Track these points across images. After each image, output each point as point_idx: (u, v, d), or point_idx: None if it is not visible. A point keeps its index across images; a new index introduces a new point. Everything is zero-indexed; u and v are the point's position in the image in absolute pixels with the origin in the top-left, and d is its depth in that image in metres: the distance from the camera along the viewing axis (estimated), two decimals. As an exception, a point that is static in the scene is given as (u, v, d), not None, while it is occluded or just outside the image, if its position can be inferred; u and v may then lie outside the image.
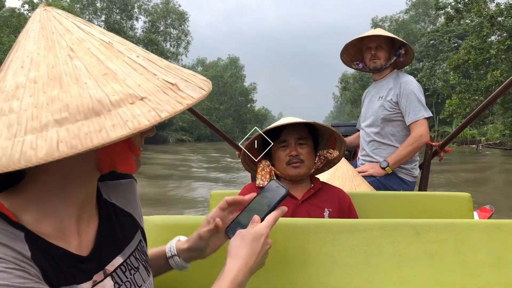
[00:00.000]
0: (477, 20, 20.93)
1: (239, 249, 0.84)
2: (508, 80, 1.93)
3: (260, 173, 1.60)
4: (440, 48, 41.15)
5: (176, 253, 1.00)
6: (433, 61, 41.06)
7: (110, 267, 0.75)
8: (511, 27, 20.07)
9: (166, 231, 1.20)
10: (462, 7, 21.63)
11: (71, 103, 0.56)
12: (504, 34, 20.84)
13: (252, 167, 1.74)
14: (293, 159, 1.57)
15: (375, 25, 54.45)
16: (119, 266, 0.77)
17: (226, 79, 67.77)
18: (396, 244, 1.16)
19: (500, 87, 2.05)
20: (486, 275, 1.12)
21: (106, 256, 0.76)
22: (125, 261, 0.79)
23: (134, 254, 0.83)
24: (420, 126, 2.39)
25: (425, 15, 56.60)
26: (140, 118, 0.57)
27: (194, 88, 0.66)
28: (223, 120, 63.69)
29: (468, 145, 30.39)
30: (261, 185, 1.58)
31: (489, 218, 3.38)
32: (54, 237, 0.67)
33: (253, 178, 1.94)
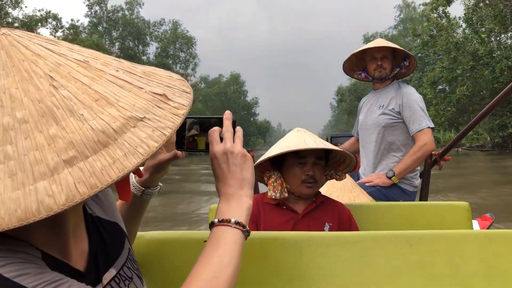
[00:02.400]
0: (446, 46, 25.12)
1: (219, 171, 0.78)
2: (502, 92, 1.95)
3: (272, 184, 1.57)
4: (426, 60, 44.78)
5: (143, 188, 0.97)
6: (421, 73, 44.39)
7: (104, 280, 0.74)
8: (473, 50, 24.44)
9: (161, 247, 1.18)
10: (435, 33, 25.95)
11: (75, 139, 0.53)
12: (469, 56, 25.08)
13: (258, 178, 1.71)
14: (308, 178, 1.57)
15: (366, 40, 58.38)
16: (113, 278, 0.76)
17: (230, 94, 71.21)
18: (389, 255, 1.14)
19: (492, 102, 2.07)
20: (478, 286, 1.11)
21: (101, 269, 0.75)
22: (118, 272, 0.78)
23: (126, 264, 0.82)
24: (425, 134, 2.40)
25: (413, 29, 59.92)
26: (148, 141, 0.55)
27: (180, 94, 0.64)
28: (228, 134, 66.31)
29: (453, 148, 33.59)
30: (273, 197, 1.57)
31: (489, 226, 3.40)
32: (57, 255, 0.65)
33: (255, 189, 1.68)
